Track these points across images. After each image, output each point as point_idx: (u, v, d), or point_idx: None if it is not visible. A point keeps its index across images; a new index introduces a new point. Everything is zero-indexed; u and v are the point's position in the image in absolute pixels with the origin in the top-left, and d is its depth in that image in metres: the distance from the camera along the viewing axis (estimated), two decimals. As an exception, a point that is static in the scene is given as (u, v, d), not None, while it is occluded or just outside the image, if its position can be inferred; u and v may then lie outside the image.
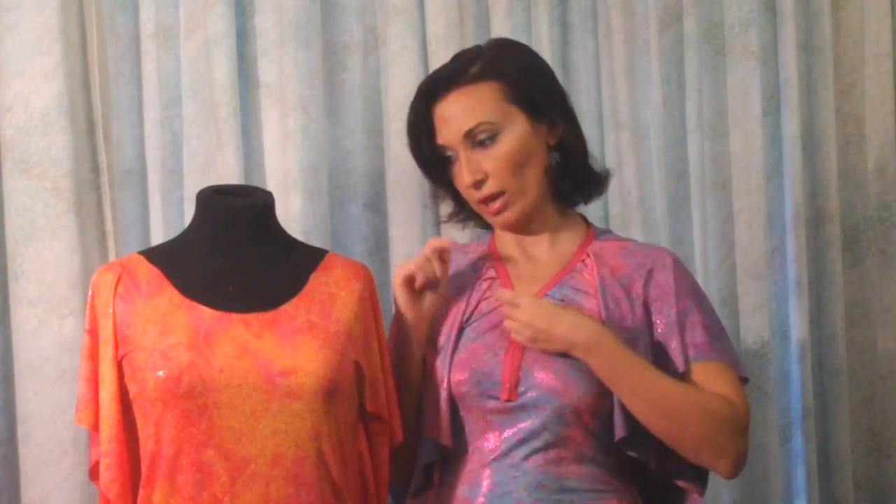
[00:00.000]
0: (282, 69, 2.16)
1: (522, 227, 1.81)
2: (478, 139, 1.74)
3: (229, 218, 1.79)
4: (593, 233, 1.84)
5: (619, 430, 1.66)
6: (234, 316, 1.73)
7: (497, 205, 1.76)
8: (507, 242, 1.85)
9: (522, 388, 1.69)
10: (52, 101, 2.02)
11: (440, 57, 2.20)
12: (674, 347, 1.72)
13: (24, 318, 2.01)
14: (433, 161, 1.81)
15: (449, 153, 1.78)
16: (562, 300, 1.73)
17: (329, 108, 2.22)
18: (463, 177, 1.76)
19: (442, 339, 1.79)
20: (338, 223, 2.23)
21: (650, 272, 1.75)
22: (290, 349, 1.71)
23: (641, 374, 1.64)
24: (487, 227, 1.90)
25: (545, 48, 2.24)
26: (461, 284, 1.83)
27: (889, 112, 2.44)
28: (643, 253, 1.79)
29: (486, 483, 1.70)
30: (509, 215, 1.78)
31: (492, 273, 1.83)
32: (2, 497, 2.04)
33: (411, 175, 2.20)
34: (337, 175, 2.23)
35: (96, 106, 2.07)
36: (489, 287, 1.81)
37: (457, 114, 1.75)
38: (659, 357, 1.71)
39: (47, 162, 2.02)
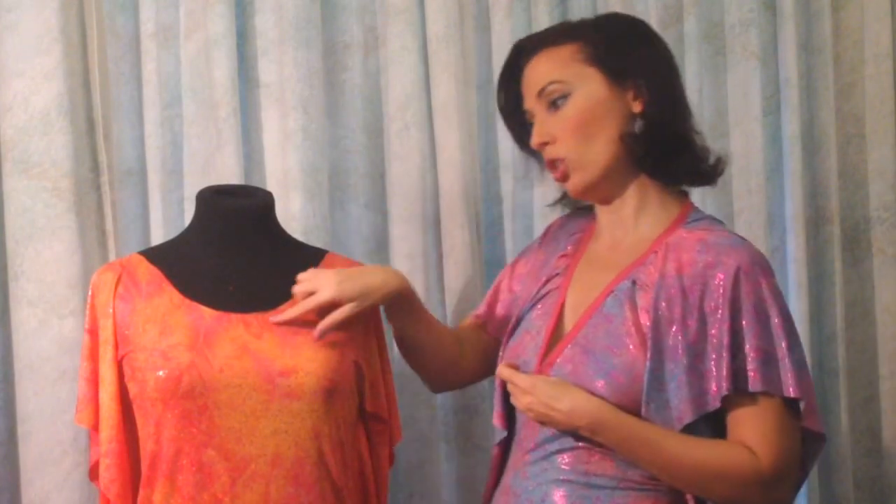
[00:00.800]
0: (282, 69, 2.16)
1: (602, 200, 1.75)
2: (550, 99, 1.69)
3: (229, 218, 1.79)
4: (683, 218, 1.72)
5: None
6: (234, 316, 1.73)
7: (558, 172, 1.71)
8: (601, 218, 1.79)
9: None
10: (52, 101, 2.02)
11: (440, 57, 2.20)
12: (716, 373, 1.57)
13: (24, 318, 2.01)
14: (522, 130, 1.78)
15: (531, 120, 1.73)
16: (624, 297, 1.64)
17: (329, 108, 2.22)
18: (533, 136, 1.71)
19: (512, 320, 1.80)
20: (338, 223, 2.23)
21: (711, 277, 1.60)
22: (289, 349, 1.71)
23: (651, 446, 1.56)
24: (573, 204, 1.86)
25: (545, 48, 2.24)
26: (547, 257, 1.82)
27: (889, 112, 2.44)
28: (717, 250, 1.62)
29: (523, 473, 1.67)
30: (572, 183, 1.70)
31: (570, 250, 1.80)
32: (2, 497, 2.04)
33: (411, 175, 2.21)
34: (337, 175, 2.23)
35: (96, 106, 2.07)
36: (562, 266, 1.78)
37: (533, 74, 1.71)
38: (698, 376, 1.59)
39: (47, 162, 2.02)
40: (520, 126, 1.79)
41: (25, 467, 2.01)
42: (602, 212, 1.77)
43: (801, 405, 1.57)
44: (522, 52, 1.75)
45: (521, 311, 1.78)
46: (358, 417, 1.81)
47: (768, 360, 1.57)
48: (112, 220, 2.07)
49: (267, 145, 2.17)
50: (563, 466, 1.63)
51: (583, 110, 1.67)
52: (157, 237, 2.10)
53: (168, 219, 2.12)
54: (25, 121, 2.02)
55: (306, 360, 1.70)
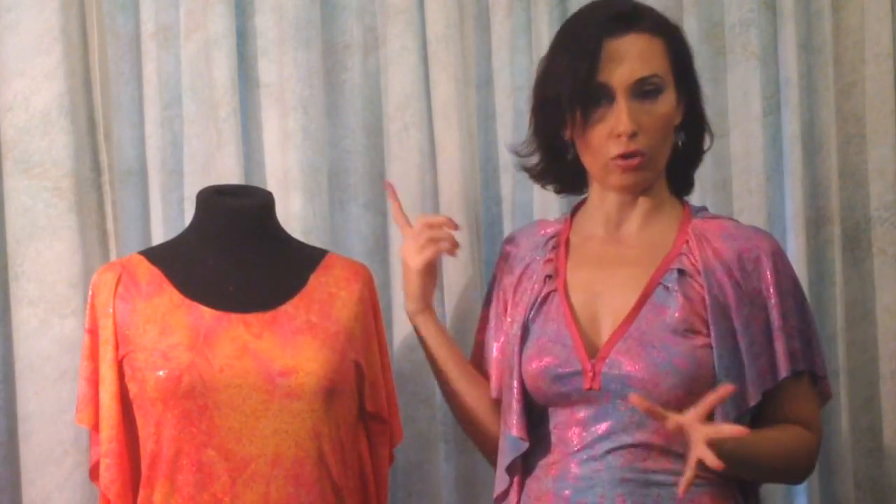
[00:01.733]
0: (282, 69, 2.16)
1: (632, 195, 1.75)
2: (644, 89, 1.68)
3: (229, 218, 1.80)
4: (689, 211, 1.78)
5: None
6: (235, 316, 1.73)
7: (635, 161, 1.68)
8: (594, 219, 1.78)
9: (608, 379, 1.64)
10: (53, 101, 2.02)
11: (440, 57, 2.20)
12: (772, 354, 1.67)
13: (24, 318, 2.01)
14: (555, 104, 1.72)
15: (602, 95, 1.68)
16: (674, 287, 1.66)
17: (329, 108, 2.21)
18: (621, 123, 1.66)
19: (510, 331, 1.77)
20: (338, 223, 2.23)
21: (751, 261, 1.68)
22: (290, 349, 1.71)
23: (756, 452, 1.62)
24: (566, 191, 1.86)
25: (545, 48, 2.24)
26: (526, 269, 1.79)
27: (889, 112, 2.44)
28: (744, 236, 1.72)
29: (571, 475, 1.65)
30: (638, 177, 1.70)
31: (551, 254, 1.77)
32: (2, 497, 2.04)
33: (411, 175, 2.20)
34: (337, 175, 2.23)
35: (97, 106, 2.07)
36: (549, 272, 1.76)
37: (634, 57, 1.68)
38: (762, 356, 1.67)
39: (48, 162, 2.02)
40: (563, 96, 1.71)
41: (26, 467, 2.01)
42: (613, 206, 1.75)
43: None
44: (606, 26, 1.69)
45: (523, 321, 1.74)
46: (358, 418, 1.81)
47: (809, 340, 1.70)
48: (112, 220, 2.07)
49: (267, 145, 2.17)
50: (619, 466, 1.63)
51: (668, 112, 1.71)
52: (157, 237, 2.10)
53: (168, 219, 2.12)
54: (26, 120, 2.02)
55: (306, 360, 1.71)
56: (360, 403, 1.80)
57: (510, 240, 1.88)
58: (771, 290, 1.67)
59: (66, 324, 2.00)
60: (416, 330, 1.86)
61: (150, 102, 2.13)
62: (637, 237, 1.75)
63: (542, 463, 1.70)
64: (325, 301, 1.79)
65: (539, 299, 1.74)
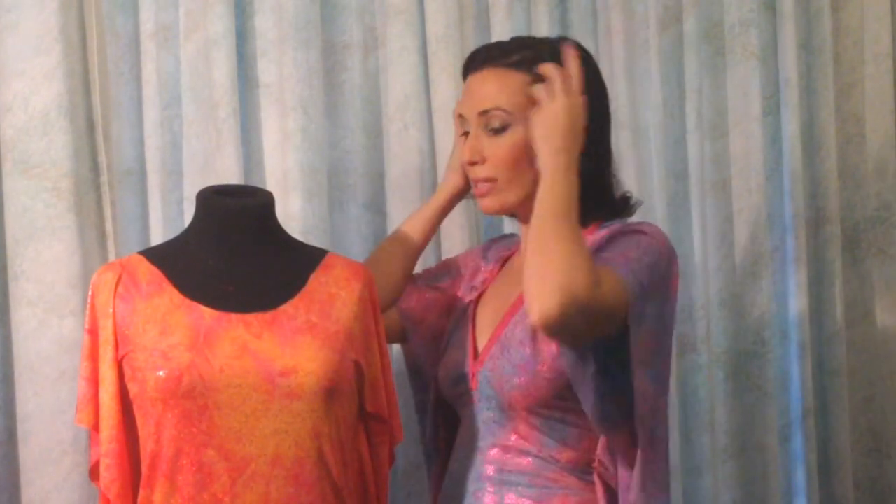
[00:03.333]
0: (281, 69, 2.16)
1: (520, 217, 1.80)
2: (489, 124, 1.73)
3: (229, 218, 1.79)
4: (593, 230, 1.75)
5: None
6: (234, 316, 1.73)
7: (485, 188, 1.76)
8: (522, 234, 1.83)
9: (480, 380, 1.75)
10: (52, 101, 2.02)
11: (440, 57, 2.20)
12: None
13: (24, 318, 2.01)
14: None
15: (462, 125, 1.79)
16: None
17: (329, 108, 2.21)
18: (463, 151, 1.77)
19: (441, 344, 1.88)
20: (338, 223, 2.23)
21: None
22: (290, 349, 1.71)
23: (568, 210, 1.59)
24: None
25: (545, 48, 2.24)
26: (475, 271, 1.91)
27: (889, 112, 2.45)
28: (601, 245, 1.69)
29: (452, 470, 1.79)
30: (491, 202, 1.76)
31: (493, 266, 1.89)
32: (2, 497, 2.04)
33: (411, 175, 2.20)
34: (337, 175, 2.23)
35: (96, 106, 2.07)
36: (476, 284, 1.88)
37: (479, 91, 1.75)
38: None
39: (47, 162, 2.02)
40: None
41: (25, 467, 2.01)
42: (524, 231, 1.79)
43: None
44: (470, 63, 1.78)
45: (449, 332, 1.87)
46: (358, 418, 1.81)
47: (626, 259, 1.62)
48: (112, 220, 2.07)
49: (266, 145, 2.17)
50: (483, 462, 1.72)
51: (518, 148, 1.72)
52: (157, 237, 2.10)
53: (168, 219, 2.12)
54: (25, 121, 2.02)
55: (306, 360, 1.70)
56: (360, 403, 1.80)
57: (491, 241, 1.99)
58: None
59: (65, 324, 2.00)
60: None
61: (150, 103, 2.13)
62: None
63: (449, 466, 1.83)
64: (325, 301, 1.79)
65: (461, 309, 1.86)
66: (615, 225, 1.72)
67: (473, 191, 1.80)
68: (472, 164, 1.75)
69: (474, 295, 1.86)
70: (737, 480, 2.38)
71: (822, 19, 2.42)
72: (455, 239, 2.20)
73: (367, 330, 1.81)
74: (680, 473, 2.31)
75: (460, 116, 1.79)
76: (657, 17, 2.32)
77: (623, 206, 1.79)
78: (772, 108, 2.39)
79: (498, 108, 1.72)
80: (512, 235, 1.98)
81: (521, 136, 1.71)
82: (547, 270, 1.52)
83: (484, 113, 1.73)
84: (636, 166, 2.30)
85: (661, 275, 1.65)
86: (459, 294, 1.92)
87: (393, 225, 2.22)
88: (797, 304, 2.38)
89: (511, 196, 1.75)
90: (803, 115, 2.39)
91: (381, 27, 2.24)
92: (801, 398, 2.39)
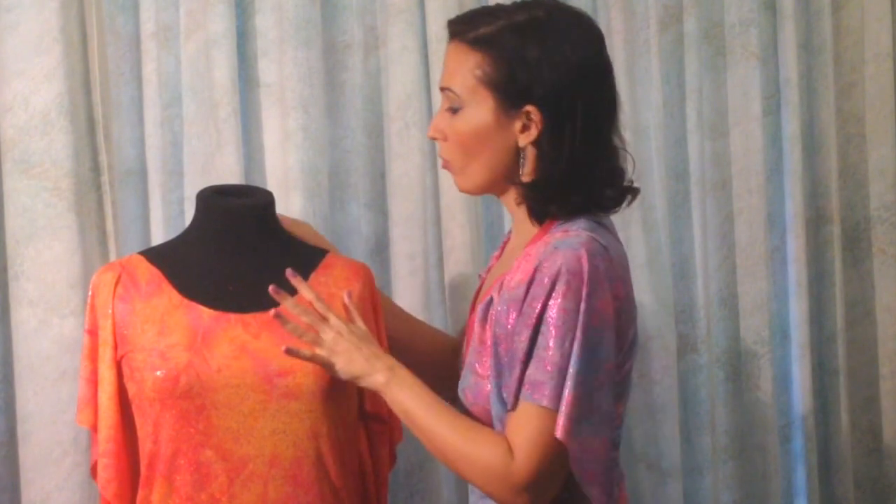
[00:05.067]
0: (282, 69, 2.16)
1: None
2: (448, 101, 1.64)
3: (229, 218, 1.79)
4: (550, 226, 1.62)
5: None
6: (233, 316, 1.73)
7: (443, 165, 1.70)
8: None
9: None
10: (53, 101, 2.01)
11: (440, 57, 2.19)
12: (511, 380, 1.54)
13: (24, 318, 2.01)
14: None
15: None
16: (482, 312, 1.63)
17: (329, 108, 2.21)
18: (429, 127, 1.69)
19: None
20: (338, 223, 2.23)
21: (539, 281, 1.52)
22: (288, 349, 1.71)
23: (427, 411, 1.58)
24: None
25: (545, 48, 2.24)
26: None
27: (889, 112, 2.45)
28: (549, 256, 1.53)
29: None
30: (457, 182, 1.69)
31: (496, 254, 1.83)
32: (2, 497, 2.04)
33: (411, 175, 2.20)
34: (337, 175, 2.23)
35: (96, 106, 2.07)
36: (482, 272, 1.83)
37: (445, 65, 1.65)
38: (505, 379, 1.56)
39: (47, 162, 2.02)
40: None
41: (25, 467, 2.01)
42: (507, 208, 1.73)
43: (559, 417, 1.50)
44: (448, 29, 1.67)
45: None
46: (358, 418, 1.81)
47: (547, 373, 1.50)
48: (112, 220, 2.07)
49: (267, 145, 2.17)
50: None
51: (468, 132, 1.62)
52: (157, 237, 2.10)
53: (168, 219, 2.12)
54: (25, 120, 2.02)
55: (304, 361, 1.70)
56: (360, 403, 1.80)
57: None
58: (534, 314, 1.52)
59: (65, 324, 2.00)
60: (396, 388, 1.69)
61: (150, 102, 2.13)
62: (511, 246, 1.74)
63: None
64: (325, 301, 1.79)
65: (473, 300, 1.81)
66: (533, 247, 1.58)
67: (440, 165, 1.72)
68: (433, 139, 1.68)
69: (479, 284, 1.82)
70: (737, 480, 2.38)
71: (822, 19, 2.42)
72: (455, 239, 2.20)
73: (367, 330, 1.81)
74: (680, 473, 2.31)
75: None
76: (657, 17, 2.32)
77: (610, 201, 1.64)
78: (772, 108, 2.40)
79: (450, 90, 1.63)
80: None
81: (470, 120, 1.61)
82: (479, 485, 1.57)
83: (442, 90, 1.66)
84: (636, 166, 2.30)
85: (595, 331, 1.51)
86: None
87: (393, 225, 2.22)
88: (797, 304, 2.38)
89: (470, 179, 1.65)
90: (803, 115, 2.39)
91: (381, 27, 2.24)
92: (801, 398, 2.39)
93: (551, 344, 1.50)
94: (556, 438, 1.50)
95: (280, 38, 2.16)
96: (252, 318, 1.73)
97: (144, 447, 1.71)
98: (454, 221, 2.19)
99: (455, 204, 2.19)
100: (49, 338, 2.00)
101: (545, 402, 1.50)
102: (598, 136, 1.61)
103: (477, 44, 1.60)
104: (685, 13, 2.36)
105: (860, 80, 2.46)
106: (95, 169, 2.07)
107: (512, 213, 1.70)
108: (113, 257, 2.05)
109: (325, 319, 1.66)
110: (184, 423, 1.67)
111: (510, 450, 1.52)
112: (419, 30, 2.23)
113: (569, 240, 1.54)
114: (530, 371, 1.51)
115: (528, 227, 1.65)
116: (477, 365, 1.62)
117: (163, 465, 1.68)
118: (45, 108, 2.02)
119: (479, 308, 1.64)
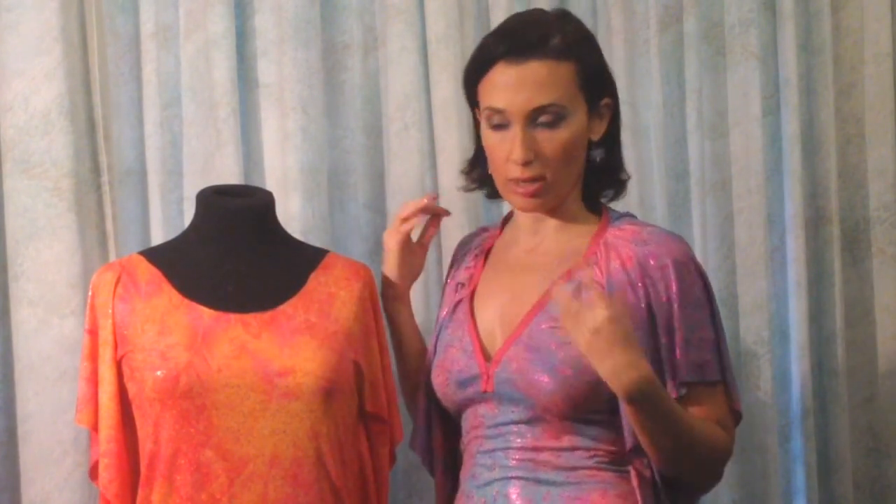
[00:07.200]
0: (281, 69, 2.16)
1: (547, 212, 1.74)
2: (541, 119, 1.65)
3: (229, 218, 1.80)
4: (608, 219, 1.74)
5: (629, 441, 1.62)
6: (233, 316, 1.73)
7: (533, 188, 1.67)
8: (517, 227, 1.79)
9: (499, 381, 1.67)
10: (53, 101, 2.02)
11: (440, 57, 2.20)
12: (676, 363, 1.63)
13: (24, 318, 2.01)
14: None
15: (498, 119, 1.67)
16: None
17: (329, 108, 2.21)
18: (514, 151, 1.66)
19: (430, 342, 1.81)
20: (338, 223, 2.23)
21: (655, 269, 1.64)
22: (288, 349, 1.71)
23: (676, 417, 1.58)
24: (493, 196, 1.82)
25: (545, 48, 2.24)
26: (452, 277, 1.84)
27: (889, 112, 2.44)
28: (656, 243, 1.67)
29: (476, 474, 1.70)
30: (538, 202, 1.70)
31: (472, 262, 1.82)
32: (2, 497, 2.04)
33: (410, 175, 2.21)
34: (337, 175, 2.23)
35: (96, 106, 2.07)
36: (463, 280, 1.81)
37: (530, 86, 1.65)
38: (657, 366, 1.61)
39: (47, 162, 2.02)
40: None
41: (26, 467, 2.01)
42: (527, 218, 1.76)
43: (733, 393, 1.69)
44: (508, 51, 1.67)
45: (438, 330, 1.79)
46: (358, 418, 1.81)
47: (717, 349, 1.66)
48: (112, 220, 2.07)
49: (266, 145, 2.17)
50: (510, 465, 1.66)
51: (573, 138, 1.67)
52: (157, 237, 2.10)
53: (168, 219, 2.12)
54: (26, 121, 2.02)
55: (304, 360, 1.70)
56: (360, 404, 1.80)
57: (460, 244, 1.92)
58: (672, 299, 1.63)
59: (65, 324, 2.00)
60: (390, 316, 1.88)
61: (150, 103, 2.13)
62: (550, 247, 1.74)
63: (464, 467, 1.76)
64: (325, 301, 1.79)
65: (451, 308, 1.78)
66: (643, 233, 1.69)
67: (513, 191, 1.69)
68: (527, 163, 1.66)
69: (465, 292, 1.78)
70: (737, 480, 2.37)
71: (822, 19, 2.41)
72: (455, 239, 2.19)
73: (366, 329, 1.81)
74: (680, 473, 2.30)
75: (497, 112, 1.67)
76: (657, 17, 2.32)
77: (624, 186, 1.80)
78: (772, 108, 2.39)
79: (555, 105, 1.65)
80: (483, 229, 1.91)
81: (573, 129, 1.67)
82: (707, 467, 1.66)
83: (538, 109, 1.65)
84: (636, 166, 2.30)
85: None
86: (447, 293, 1.85)
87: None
88: (797, 304, 2.38)
89: (555, 194, 1.69)
90: (803, 115, 2.39)
91: (381, 27, 2.24)
92: (800, 398, 2.39)
93: (705, 323, 1.65)
94: (731, 407, 1.68)
95: (279, 39, 2.16)
96: (252, 318, 1.73)
97: (145, 447, 1.71)
98: (454, 221, 2.19)
99: (455, 204, 2.19)
100: (49, 338, 2.00)
101: (717, 377, 1.65)
102: (619, 127, 1.77)
103: (562, 55, 1.66)
104: (685, 13, 2.36)
105: (860, 80, 2.46)
106: (95, 169, 2.07)
107: (551, 217, 1.73)
108: (113, 257, 2.05)
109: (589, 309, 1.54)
110: (184, 423, 1.67)
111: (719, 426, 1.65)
112: (418, 30, 2.23)
113: (657, 231, 1.71)
114: (694, 353, 1.63)
115: (578, 225, 1.73)
116: (568, 342, 1.59)
117: (163, 464, 1.69)
118: (45, 108, 2.02)
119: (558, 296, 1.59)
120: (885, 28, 2.44)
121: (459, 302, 1.78)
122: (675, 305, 1.63)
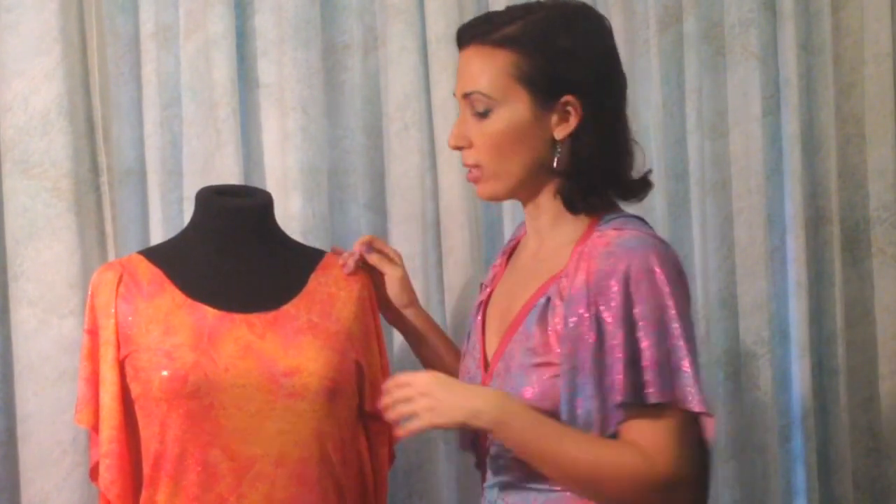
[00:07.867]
0: (281, 69, 2.15)
1: (522, 201, 1.69)
2: (474, 106, 1.61)
3: (228, 218, 1.80)
4: (597, 222, 1.63)
5: None
6: (237, 316, 1.73)
7: (472, 175, 1.64)
8: (528, 223, 1.74)
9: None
10: (52, 102, 2.02)
11: (440, 57, 2.20)
12: (613, 384, 1.52)
13: (23, 318, 2.01)
14: None
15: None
16: (537, 314, 1.60)
17: (329, 108, 2.21)
18: (449, 136, 1.65)
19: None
20: (338, 223, 2.23)
21: (606, 287, 1.53)
22: (292, 349, 1.71)
23: (551, 442, 1.52)
24: None
25: (545, 48, 2.24)
26: (487, 274, 1.82)
27: (889, 112, 2.45)
28: (616, 255, 1.54)
29: (487, 476, 1.68)
30: (482, 189, 1.65)
31: (500, 260, 1.79)
32: (2, 497, 2.04)
33: (411, 175, 2.21)
34: (337, 175, 2.23)
35: (96, 106, 2.07)
36: (486, 282, 1.78)
37: (465, 71, 1.62)
38: (605, 391, 1.54)
39: (47, 162, 2.02)
40: None
41: (25, 467, 2.01)
42: (527, 217, 1.72)
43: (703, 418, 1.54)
44: (460, 37, 1.65)
45: (467, 332, 1.77)
46: (358, 417, 1.81)
47: (664, 370, 1.52)
48: (112, 220, 2.07)
49: (266, 146, 2.17)
50: (502, 470, 1.63)
51: (503, 130, 1.60)
52: (157, 237, 2.10)
53: (168, 219, 2.12)
54: (25, 121, 2.02)
55: (308, 361, 1.71)
56: (359, 403, 1.80)
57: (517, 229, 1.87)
58: (617, 319, 1.52)
59: (65, 324, 2.00)
60: (406, 321, 1.88)
61: (150, 103, 2.13)
62: (547, 252, 1.68)
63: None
64: (326, 301, 1.79)
65: (475, 310, 1.76)
66: (612, 244, 1.56)
67: (467, 176, 1.68)
68: (457, 148, 1.64)
69: (484, 295, 1.76)
70: (737, 480, 2.38)
71: (822, 19, 2.42)
72: (455, 239, 2.20)
73: (366, 329, 1.81)
74: (680, 473, 2.30)
75: (457, 98, 1.66)
76: (657, 17, 2.32)
77: (638, 187, 1.66)
78: (772, 108, 2.40)
79: (478, 92, 1.59)
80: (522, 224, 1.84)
81: (504, 120, 1.59)
82: (623, 499, 1.52)
83: (466, 96, 1.62)
84: (636, 166, 2.30)
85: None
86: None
87: (393, 225, 2.22)
88: (797, 304, 2.38)
89: (500, 183, 1.63)
90: (803, 115, 2.39)
91: (381, 27, 2.24)
92: (800, 398, 2.39)
93: (656, 342, 1.52)
94: (691, 433, 1.52)
95: (279, 39, 2.16)
96: (256, 319, 1.73)
97: (149, 447, 1.71)
98: (454, 222, 2.19)
99: (455, 204, 2.19)
100: (49, 338, 2.00)
101: (656, 399, 1.51)
102: (625, 122, 1.65)
103: (504, 43, 1.59)
104: (685, 13, 2.36)
105: (860, 80, 2.46)
106: (95, 169, 2.07)
107: (538, 216, 1.67)
108: (112, 257, 2.05)
109: (406, 385, 1.55)
110: (191, 424, 1.67)
111: (642, 451, 1.50)
112: (418, 30, 2.23)
113: (629, 239, 1.56)
114: (632, 374, 1.51)
115: (565, 228, 1.64)
116: (533, 365, 1.57)
117: (169, 464, 1.68)
118: (44, 109, 2.02)
119: (535, 311, 1.59)
120: (885, 28, 2.45)
121: (479, 304, 1.75)
122: (618, 324, 1.52)
